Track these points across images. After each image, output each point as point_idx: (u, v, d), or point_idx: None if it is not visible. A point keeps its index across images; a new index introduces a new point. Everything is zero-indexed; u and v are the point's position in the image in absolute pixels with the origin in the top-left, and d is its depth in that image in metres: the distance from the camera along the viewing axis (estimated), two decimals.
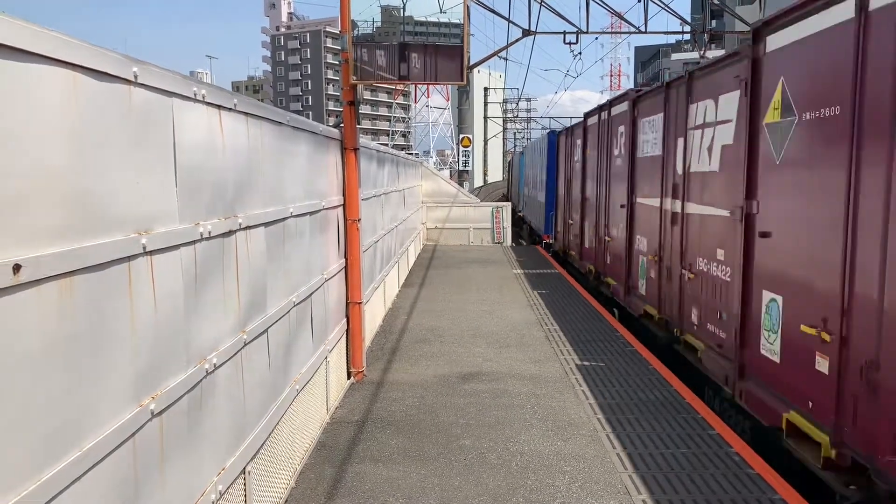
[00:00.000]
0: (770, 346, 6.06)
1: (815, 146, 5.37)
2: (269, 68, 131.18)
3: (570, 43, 15.23)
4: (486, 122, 54.46)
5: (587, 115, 14.96)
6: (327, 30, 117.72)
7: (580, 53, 24.45)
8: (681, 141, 8.53)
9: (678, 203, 8.62)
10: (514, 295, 13.42)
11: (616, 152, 12.14)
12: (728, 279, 6.98)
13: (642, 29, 16.01)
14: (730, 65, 7.16)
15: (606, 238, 12.87)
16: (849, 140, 4.81)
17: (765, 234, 6.15)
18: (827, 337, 5.09)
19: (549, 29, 14.95)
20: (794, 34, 5.71)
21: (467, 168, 39.53)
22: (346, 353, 7.84)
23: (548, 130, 24.76)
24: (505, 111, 63.10)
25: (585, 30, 15.02)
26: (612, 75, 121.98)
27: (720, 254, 7.25)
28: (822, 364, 5.18)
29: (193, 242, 3.48)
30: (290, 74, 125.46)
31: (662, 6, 15.63)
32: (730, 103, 7.02)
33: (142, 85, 2.98)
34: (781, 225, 5.90)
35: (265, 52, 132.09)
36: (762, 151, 6.19)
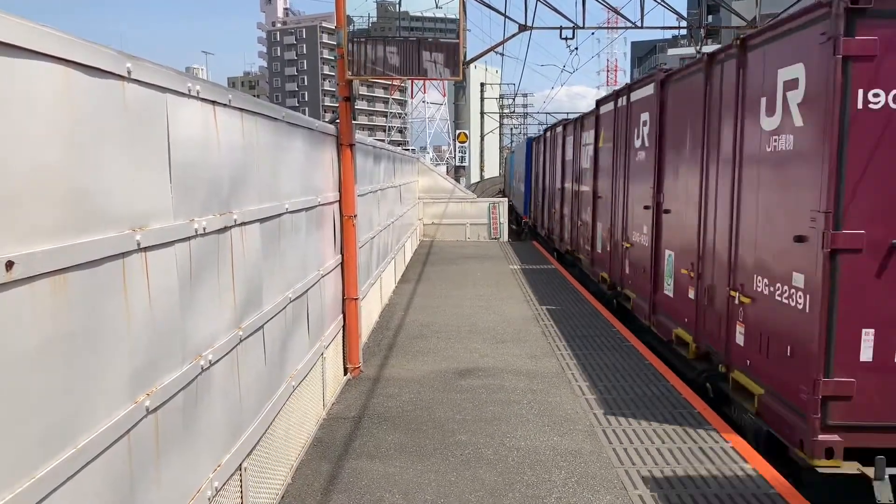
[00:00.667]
0: (668, 287, 8.98)
1: (680, 163, 8.60)
2: (265, 64, 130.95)
3: (566, 38, 15.24)
4: (482, 117, 54.39)
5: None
6: (323, 25, 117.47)
7: (576, 49, 24.46)
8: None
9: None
10: (511, 290, 13.42)
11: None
12: (647, 245, 9.87)
13: (638, 24, 16.02)
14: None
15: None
16: (700, 160, 7.75)
17: (666, 211, 9.10)
18: (692, 274, 7.96)
19: (546, 24, 14.94)
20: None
21: (464, 164, 39.51)
22: (343, 349, 7.83)
23: (526, 137, 34.05)
24: (501, 107, 62.98)
25: (582, 25, 15.02)
26: (608, 70, 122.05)
27: (644, 229, 10.04)
28: (691, 293, 8.04)
29: (188, 239, 3.47)
30: (286, 70, 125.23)
31: (658, 1, 15.62)
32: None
33: (136, 81, 2.96)
34: (673, 207, 8.91)
35: (261, 47, 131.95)
36: (668, 160, 9.09)
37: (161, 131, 3.22)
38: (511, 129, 69.49)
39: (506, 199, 24.72)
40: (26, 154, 2.27)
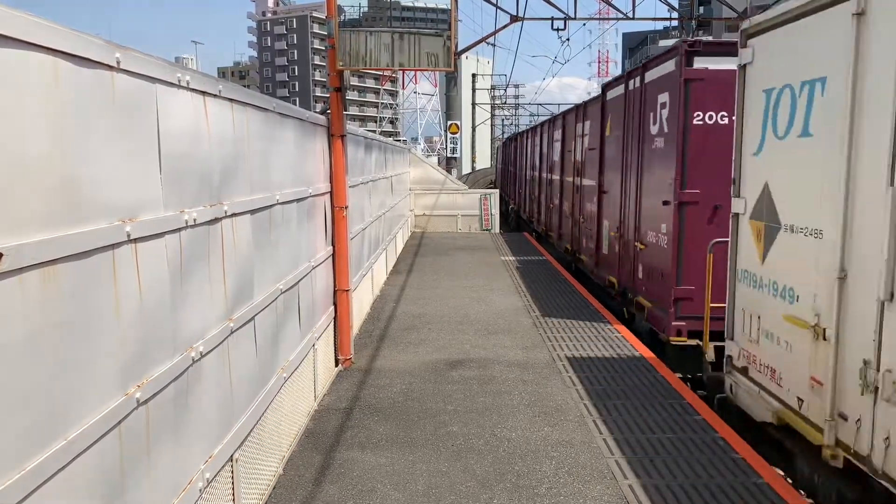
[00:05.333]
0: (605, 247, 12.35)
1: (617, 152, 11.41)
2: (255, 54, 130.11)
3: (557, 29, 15.21)
4: (474, 108, 54.22)
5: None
6: (314, 15, 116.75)
7: (568, 40, 24.44)
8: None
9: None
10: (502, 282, 13.45)
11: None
12: (594, 218, 13.27)
13: (630, 15, 16.00)
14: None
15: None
16: (620, 149, 11.04)
17: (605, 192, 12.45)
18: (617, 235, 11.21)
19: (537, 15, 14.90)
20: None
21: (455, 155, 39.43)
22: (334, 341, 7.83)
23: (504, 137, 38.82)
24: (493, 98, 62.84)
25: (573, 16, 14.99)
26: (599, 62, 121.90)
27: (590, 206, 13.67)
28: (615, 247, 11.27)
29: (178, 230, 3.46)
30: (276, 60, 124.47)
31: None
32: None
33: (125, 71, 2.94)
34: (609, 188, 12.11)
35: (251, 37, 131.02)
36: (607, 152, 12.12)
37: (151, 122, 3.20)
38: (503, 119, 69.37)
39: (497, 190, 24.70)
40: (14, 145, 2.25)
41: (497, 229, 22.68)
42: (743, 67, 6.24)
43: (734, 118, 6.43)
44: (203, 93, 3.83)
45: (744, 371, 6.19)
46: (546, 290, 12.55)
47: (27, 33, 2.28)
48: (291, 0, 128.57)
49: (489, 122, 63.43)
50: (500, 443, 5.85)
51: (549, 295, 12.13)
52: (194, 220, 3.64)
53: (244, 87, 4.93)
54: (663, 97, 9.16)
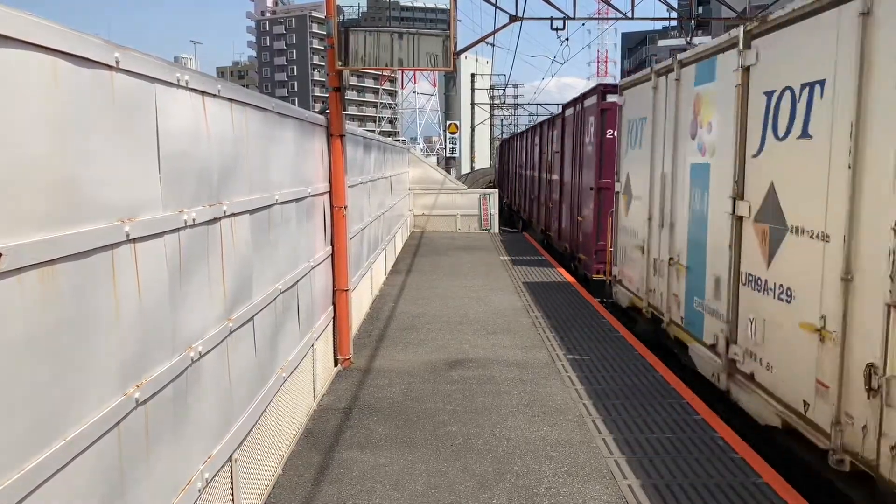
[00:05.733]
0: (563, 223, 16.64)
1: (569, 155, 16.28)
2: (254, 54, 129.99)
3: (557, 29, 15.20)
4: (473, 108, 54.19)
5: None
6: (313, 15, 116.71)
7: (567, 40, 24.37)
8: None
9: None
10: (501, 281, 13.44)
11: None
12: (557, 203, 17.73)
13: (629, 15, 15.99)
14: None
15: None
16: (571, 152, 15.87)
17: (563, 183, 16.76)
18: (567, 213, 16.00)
19: (536, 15, 14.88)
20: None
21: (454, 155, 39.42)
22: (333, 341, 7.83)
23: (503, 137, 40.11)
24: (492, 97, 62.79)
25: (572, 16, 14.98)
26: (598, 62, 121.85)
27: (554, 195, 18.10)
28: (567, 222, 16.02)
29: (177, 230, 3.45)
30: (275, 60, 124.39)
31: None
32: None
33: (124, 70, 2.94)
34: (566, 181, 16.57)
35: (250, 37, 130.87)
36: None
37: (150, 121, 3.20)
38: (502, 119, 69.32)
39: (496, 190, 24.71)
40: (14, 144, 2.25)
41: (496, 229, 22.67)
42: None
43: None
44: (202, 92, 3.83)
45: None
46: (544, 290, 12.55)
47: (27, 33, 2.28)
48: (290, 0, 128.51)
49: (488, 121, 63.42)
50: (500, 443, 5.85)
51: (548, 294, 12.13)
52: (193, 219, 3.63)
53: (243, 86, 4.93)
54: (591, 119, 13.57)
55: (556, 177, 17.84)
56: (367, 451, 5.71)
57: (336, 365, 7.89)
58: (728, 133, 6.58)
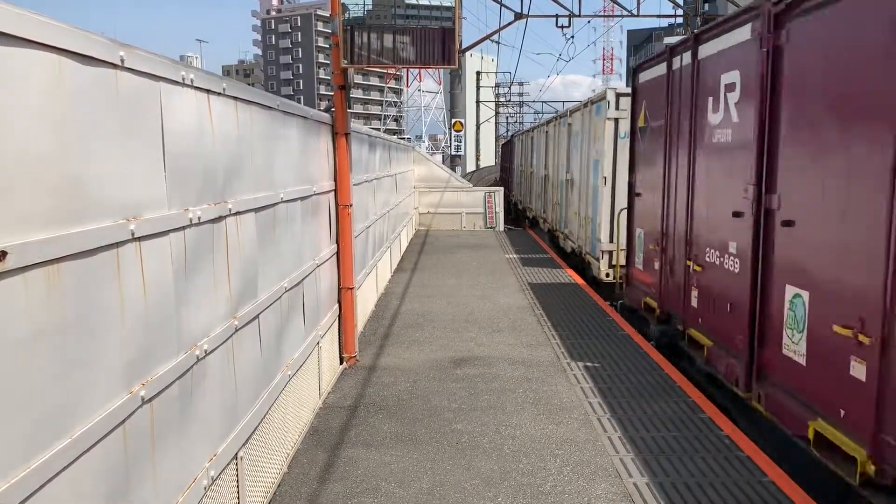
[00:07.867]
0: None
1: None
2: (259, 52, 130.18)
3: (562, 26, 15.18)
4: (478, 106, 54.18)
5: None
6: (318, 13, 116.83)
7: (572, 37, 24.36)
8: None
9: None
10: (506, 279, 13.43)
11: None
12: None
13: (635, 12, 15.96)
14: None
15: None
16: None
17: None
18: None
19: (542, 12, 14.87)
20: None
21: (459, 153, 39.37)
22: (339, 339, 7.84)
23: (509, 134, 40.85)
24: (497, 95, 62.74)
25: (578, 13, 14.96)
26: (604, 59, 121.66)
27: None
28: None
29: (183, 228, 3.46)
30: (280, 58, 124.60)
31: None
32: None
33: (129, 69, 2.94)
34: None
35: (256, 35, 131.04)
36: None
37: (155, 120, 3.20)
38: (507, 117, 69.25)
39: (501, 188, 24.71)
40: (18, 143, 2.25)
41: (501, 227, 22.65)
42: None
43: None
44: (207, 91, 3.83)
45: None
46: (550, 289, 12.54)
47: (32, 32, 2.28)
48: None
49: (493, 119, 63.37)
50: (505, 441, 5.84)
51: (553, 292, 12.12)
52: (198, 218, 3.64)
53: (248, 85, 4.93)
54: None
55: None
56: (373, 448, 5.71)
57: (341, 363, 7.90)
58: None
